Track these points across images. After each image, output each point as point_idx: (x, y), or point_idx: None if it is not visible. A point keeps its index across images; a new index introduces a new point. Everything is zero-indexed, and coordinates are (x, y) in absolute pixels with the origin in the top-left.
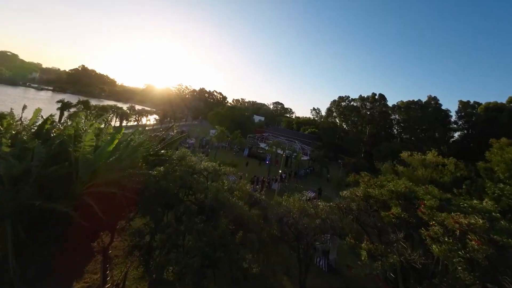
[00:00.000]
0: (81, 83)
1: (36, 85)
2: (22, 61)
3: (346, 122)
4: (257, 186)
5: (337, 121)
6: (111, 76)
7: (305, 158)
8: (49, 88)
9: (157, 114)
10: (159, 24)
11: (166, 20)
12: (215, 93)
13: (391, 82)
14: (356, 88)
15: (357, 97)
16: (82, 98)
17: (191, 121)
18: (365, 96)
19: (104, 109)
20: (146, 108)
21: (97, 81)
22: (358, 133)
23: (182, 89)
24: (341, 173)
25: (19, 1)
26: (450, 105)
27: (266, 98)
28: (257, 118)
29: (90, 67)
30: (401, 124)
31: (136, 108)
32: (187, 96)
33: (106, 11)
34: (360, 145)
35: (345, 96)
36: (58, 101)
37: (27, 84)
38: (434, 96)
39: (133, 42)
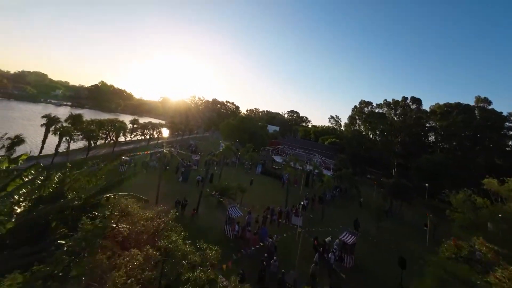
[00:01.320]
0: (99, 98)
1: (56, 102)
2: (51, 80)
3: (373, 130)
4: (273, 218)
5: (362, 129)
6: (128, 91)
7: (327, 173)
8: (68, 104)
9: (167, 127)
10: (175, 37)
11: (181, 33)
12: (228, 104)
13: (414, 86)
14: (376, 92)
15: (381, 101)
16: (97, 113)
17: (202, 133)
18: (392, 100)
19: (101, 124)
20: (153, 121)
21: (114, 96)
22: (388, 143)
23: (196, 101)
24: (375, 194)
25: (52, 28)
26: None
27: (280, 107)
28: (271, 128)
29: (109, 83)
30: (440, 132)
31: (148, 121)
32: (200, 107)
33: (129, 30)
34: (391, 157)
35: (368, 101)
36: (43, 116)
37: (48, 100)
38: (484, 97)
39: (151, 57)
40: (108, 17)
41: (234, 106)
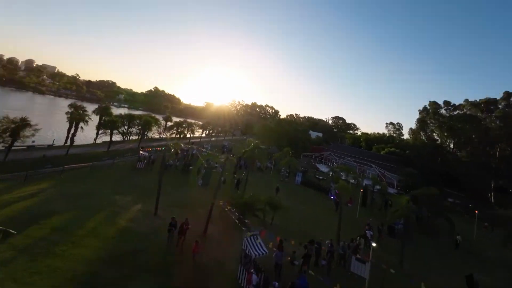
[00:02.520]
0: (152, 102)
1: (116, 104)
2: (118, 87)
3: (454, 138)
4: (321, 261)
5: (436, 137)
6: (177, 96)
7: (392, 191)
8: (126, 106)
9: (202, 127)
10: (220, 44)
11: (226, 41)
12: (267, 108)
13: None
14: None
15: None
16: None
17: (240, 136)
18: (485, 99)
19: (132, 117)
20: (189, 120)
21: (165, 100)
22: (480, 155)
23: (235, 105)
24: (475, 232)
25: (116, 41)
26: None
27: (323, 113)
28: (313, 134)
29: (162, 88)
30: None
31: (183, 120)
32: (239, 111)
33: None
34: (487, 176)
35: (447, 100)
36: (69, 105)
37: (111, 103)
38: None
39: (200, 66)
40: (163, 29)
41: (273, 110)
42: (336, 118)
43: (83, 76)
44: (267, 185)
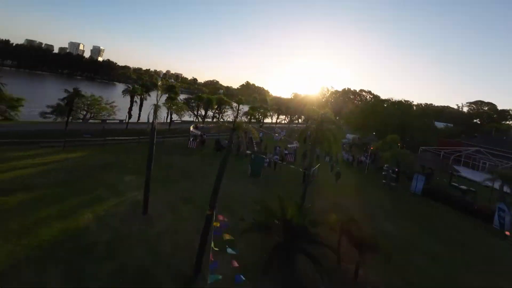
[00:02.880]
0: (243, 94)
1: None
2: (221, 84)
3: None
4: None
5: None
6: (266, 88)
7: None
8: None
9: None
10: (311, 35)
11: (315, 30)
12: (363, 93)
13: None
14: None
15: None
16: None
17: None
18: None
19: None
20: (264, 105)
21: (254, 92)
22: None
23: (324, 92)
24: None
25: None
26: None
27: (449, 99)
28: (439, 125)
29: (252, 82)
30: None
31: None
32: (330, 99)
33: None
34: None
35: None
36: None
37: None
38: None
39: (286, 58)
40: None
41: (371, 96)
42: (477, 103)
43: (197, 76)
44: (357, 191)
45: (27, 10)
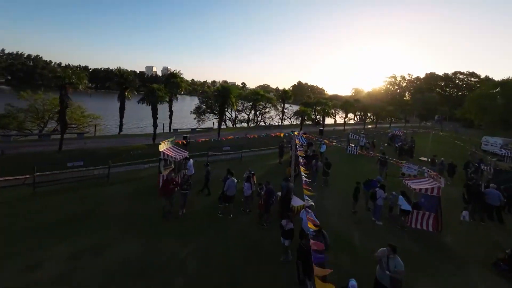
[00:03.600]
0: (296, 93)
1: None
2: (271, 87)
3: None
4: None
5: None
6: (320, 86)
7: None
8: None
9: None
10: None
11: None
12: (460, 75)
13: None
14: None
15: None
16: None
17: (419, 122)
18: None
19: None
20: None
21: (307, 91)
22: None
23: (396, 82)
24: None
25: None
26: None
27: None
28: None
29: (305, 82)
30: None
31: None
32: (407, 89)
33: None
34: None
35: None
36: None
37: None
38: None
39: (343, 53)
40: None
41: (477, 79)
42: None
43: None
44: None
45: (110, 43)
